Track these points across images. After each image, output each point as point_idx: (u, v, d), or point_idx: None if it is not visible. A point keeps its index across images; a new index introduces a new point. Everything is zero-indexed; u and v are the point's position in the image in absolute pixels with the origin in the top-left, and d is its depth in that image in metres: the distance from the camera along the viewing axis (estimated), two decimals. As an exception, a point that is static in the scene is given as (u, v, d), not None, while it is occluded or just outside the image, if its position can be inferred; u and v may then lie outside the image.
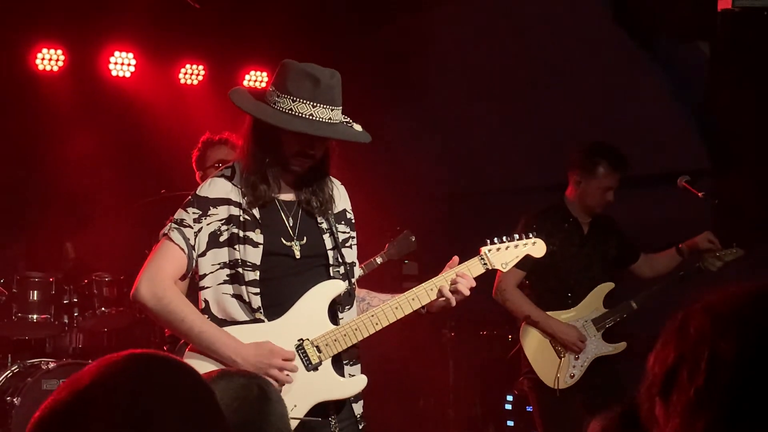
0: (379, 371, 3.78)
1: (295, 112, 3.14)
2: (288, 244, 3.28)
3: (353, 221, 3.51)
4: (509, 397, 6.62)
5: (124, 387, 1.38)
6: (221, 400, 1.93)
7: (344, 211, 3.48)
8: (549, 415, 4.92)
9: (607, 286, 5.02)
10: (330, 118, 3.17)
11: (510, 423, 6.65)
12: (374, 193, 6.52)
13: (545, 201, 5.18)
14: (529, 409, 5.45)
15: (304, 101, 3.14)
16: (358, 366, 3.40)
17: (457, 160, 7.43)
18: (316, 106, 3.15)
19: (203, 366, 3.13)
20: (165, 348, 5.07)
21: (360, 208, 3.57)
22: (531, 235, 3.59)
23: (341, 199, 3.48)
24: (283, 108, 3.16)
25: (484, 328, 7.03)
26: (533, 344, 4.93)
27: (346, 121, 3.24)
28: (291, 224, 3.31)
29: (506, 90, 6.84)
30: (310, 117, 3.14)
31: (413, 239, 5.15)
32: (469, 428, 7.03)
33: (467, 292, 3.36)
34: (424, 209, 7.30)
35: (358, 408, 3.40)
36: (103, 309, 5.85)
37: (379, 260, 4.99)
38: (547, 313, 4.93)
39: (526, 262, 4.58)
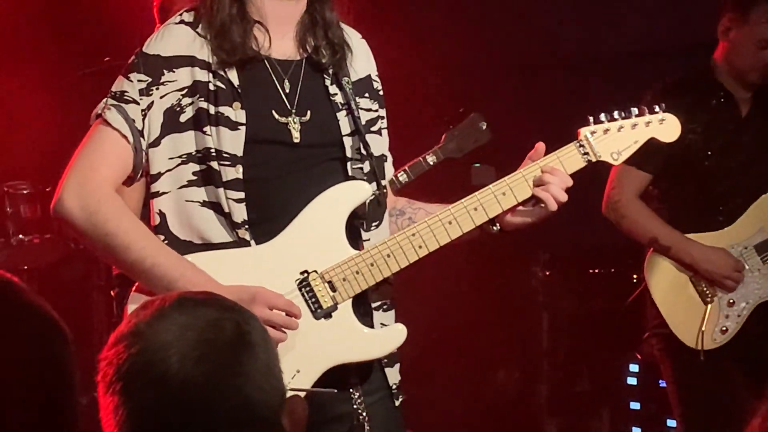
0: (428, 325, 3.77)
1: None
2: (283, 120, 3.29)
3: (382, 93, 3.51)
4: (633, 367, 6.65)
5: None
6: (175, 344, 1.95)
7: (369, 78, 3.48)
8: (689, 392, 4.93)
9: (778, 196, 4.99)
10: None
11: (635, 405, 6.69)
12: (422, 55, 6.45)
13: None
14: (663, 384, 5.43)
15: None
16: (392, 313, 3.42)
17: (554, 11, 7.41)
18: None
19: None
20: (113, 293, 5.13)
21: (398, 79, 3.51)
22: (657, 109, 3.53)
23: (363, 59, 3.47)
24: None
25: (595, 264, 7.06)
26: (664, 283, 4.94)
27: None
28: (287, 90, 3.31)
29: None
30: None
31: (485, 127, 5.09)
32: (571, 412, 7.12)
33: (562, 197, 3.32)
34: (503, 82, 7.28)
35: (393, 375, 3.42)
36: (20, 236, 5.91)
37: (431, 160, 4.95)
38: (686, 236, 4.90)
39: (652, 156, 4.63)
